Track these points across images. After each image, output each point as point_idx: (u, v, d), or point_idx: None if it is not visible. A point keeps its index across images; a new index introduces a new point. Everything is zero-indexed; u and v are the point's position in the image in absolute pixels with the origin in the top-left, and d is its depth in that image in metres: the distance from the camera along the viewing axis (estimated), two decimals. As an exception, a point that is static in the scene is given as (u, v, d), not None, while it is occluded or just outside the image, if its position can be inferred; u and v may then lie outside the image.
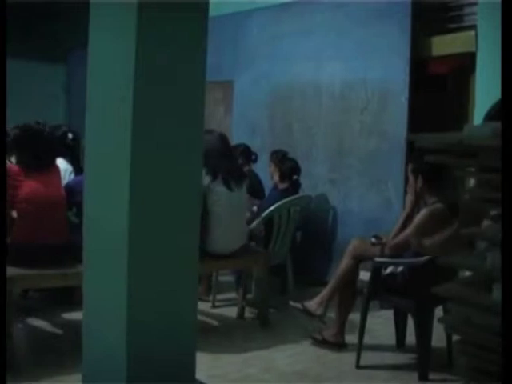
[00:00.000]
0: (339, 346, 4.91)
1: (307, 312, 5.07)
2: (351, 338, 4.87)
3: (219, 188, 5.22)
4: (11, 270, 4.39)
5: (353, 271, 4.88)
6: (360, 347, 4.59)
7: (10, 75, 9.89)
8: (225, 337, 5.23)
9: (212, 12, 2.92)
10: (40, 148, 4.79)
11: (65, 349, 4.68)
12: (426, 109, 6.40)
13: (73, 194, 4.89)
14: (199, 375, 2.97)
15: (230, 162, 5.48)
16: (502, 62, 2.69)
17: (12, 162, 5.45)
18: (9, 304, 4.24)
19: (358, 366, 4.57)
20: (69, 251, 4.58)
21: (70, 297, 5.50)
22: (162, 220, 2.79)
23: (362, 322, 4.61)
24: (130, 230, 2.67)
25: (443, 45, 6.25)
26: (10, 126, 5.49)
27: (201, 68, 2.86)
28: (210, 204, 5.20)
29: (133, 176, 2.67)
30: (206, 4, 2.86)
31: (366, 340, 4.67)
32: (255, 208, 6.32)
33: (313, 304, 5.03)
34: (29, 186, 4.64)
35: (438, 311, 4.43)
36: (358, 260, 4.87)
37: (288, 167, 6.45)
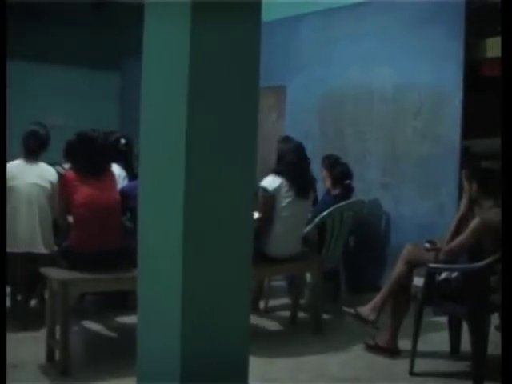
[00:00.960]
0: (392, 352, 4.87)
1: (360, 318, 5.04)
2: (405, 345, 4.82)
3: (290, 194, 5.27)
4: (68, 274, 4.49)
5: (406, 277, 4.84)
6: (414, 354, 4.54)
7: (66, 83, 10.13)
8: (277, 342, 5.23)
9: (263, 17, 2.92)
10: (94, 154, 4.87)
11: (119, 352, 4.74)
12: (481, 112, 6.31)
13: (127, 198, 4.96)
14: (251, 379, 2.97)
15: (304, 170, 5.53)
16: (502, 61, 2.66)
17: (65, 169, 5.58)
18: (66, 307, 4.33)
19: (411, 373, 4.52)
20: (123, 255, 4.64)
21: (125, 300, 5.58)
22: (216, 225, 2.80)
23: (415, 328, 4.56)
24: (184, 234, 2.69)
25: (498, 46, 6.16)
26: (67, 132, 5.60)
27: (254, 73, 2.87)
28: (279, 209, 5.25)
29: (187, 181, 2.69)
30: (259, 8, 2.87)
31: (420, 346, 4.62)
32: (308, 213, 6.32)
33: (366, 310, 5.00)
34: (84, 192, 4.72)
35: (496, 318, 4.37)
36: (412, 265, 4.83)
37: (340, 172, 6.42)
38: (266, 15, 2.96)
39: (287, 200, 5.28)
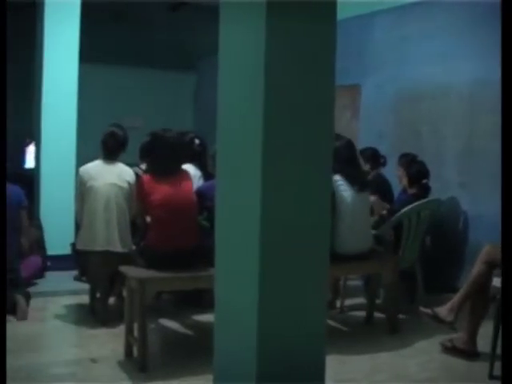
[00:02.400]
0: (470, 354, 4.78)
1: (437, 318, 4.97)
2: (483, 347, 4.72)
3: (347, 188, 5.24)
4: (145, 273, 4.57)
5: (485, 277, 4.74)
6: (493, 356, 4.43)
7: (144, 84, 10.30)
8: (353, 341, 5.20)
9: (337, 15, 2.92)
10: (167, 154, 4.93)
11: (195, 350, 4.80)
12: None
13: (204, 198, 5.02)
14: (327, 379, 2.96)
15: (358, 165, 5.52)
16: (502, 61, 2.60)
17: (142, 169, 5.68)
18: (143, 305, 4.41)
19: (491, 376, 4.40)
20: (200, 254, 4.69)
21: (201, 299, 5.64)
22: (294, 224, 2.80)
23: (495, 330, 4.46)
24: (261, 234, 2.70)
25: None
26: (145, 133, 5.71)
27: (330, 72, 2.86)
28: (340, 205, 5.22)
29: (264, 181, 2.70)
30: (335, 7, 2.86)
31: (500, 349, 4.52)
32: (385, 212, 6.25)
33: (443, 310, 4.92)
34: (160, 193, 4.79)
35: None
36: (492, 266, 4.72)
37: (416, 171, 6.34)
38: (340, 13, 2.94)
39: (346, 195, 5.24)
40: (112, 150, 5.52)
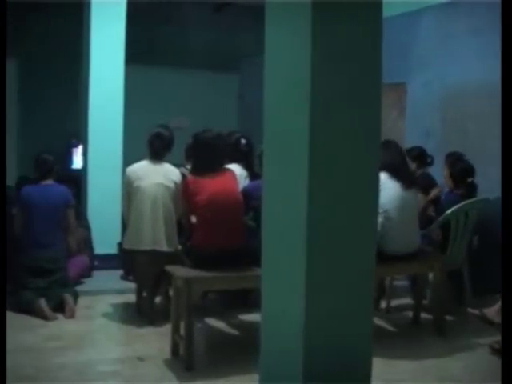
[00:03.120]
0: (520, 355, 4.69)
1: (486, 319, 4.90)
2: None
3: (394, 186, 5.19)
4: (192, 272, 4.59)
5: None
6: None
7: (189, 85, 10.34)
8: (399, 342, 5.16)
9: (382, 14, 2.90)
10: (210, 154, 4.95)
11: (241, 349, 4.80)
12: None
13: (250, 198, 5.03)
14: (373, 380, 2.94)
15: (404, 163, 5.49)
16: (502, 61, 2.56)
17: (188, 169, 5.71)
18: (190, 304, 4.43)
19: (541, 378, 4.34)
20: (245, 254, 4.70)
21: (247, 299, 5.65)
22: (340, 224, 2.79)
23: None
24: (308, 234, 2.70)
25: None
26: (191, 134, 5.74)
27: (377, 71, 2.84)
28: (387, 203, 5.18)
29: (310, 180, 2.70)
30: (380, 5, 2.84)
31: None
32: (432, 211, 6.19)
33: (492, 311, 4.86)
34: (206, 192, 4.81)
35: None
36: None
37: (461, 169, 6.25)
38: (385, 11, 2.92)
39: (393, 193, 5.18)
40: (158, 150, 5.56)
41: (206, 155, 4.95)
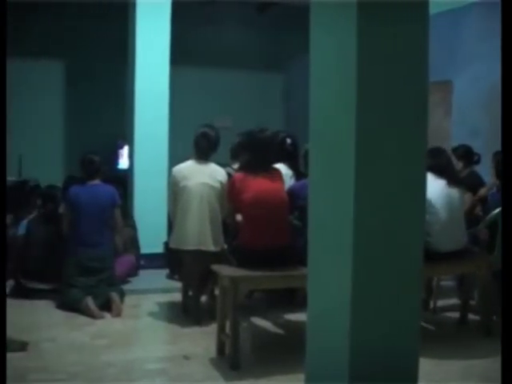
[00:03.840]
0: None
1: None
2: None
3: (437, 184, 5.13)
4: (238, 271, 4.60)
5: None
6: None
7: (234, 85, 10.36)
8: (446, 343, 5.10)
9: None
10: (258, 153, 4.95)
11: (287, 349, 4.80)
12: None
13: (296, 197, 5.02)
14: (420, 380, 2.92)
15: (446, 164, 5.43)
16: (502, 61, 2.52)
17: (234, 169, 5.72)
18: (236, 303, 4.44)
19: None
20: (291, 253, 4.69)
21: (293, 298, 5.64)
22: (387, 224, 2.78)
23: None
24: (354, 234, 2.69)
25: None
26: (235, 133, 5.76)
27: (423, 71, 2.82)
28: (429, 201, 5.12)
29: (357, 180, 2.69)
30: (426, 5, 2.82)
31: None
32: (479, 211, 6.11)
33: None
34: (252, 191, 4.81)
35: None
36: None
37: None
38: (431, 8, 2.90)
39: (439, 192, 5.13)
40: (204, 150, 5.58)
41: (255, 154, 4.95)
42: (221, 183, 5.46)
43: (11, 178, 9.12)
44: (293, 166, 5.87)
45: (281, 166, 5.56)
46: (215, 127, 5.79)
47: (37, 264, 6.22)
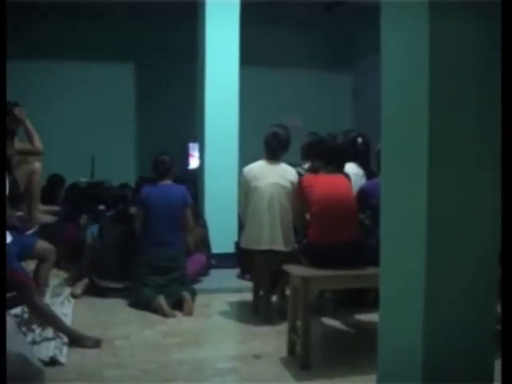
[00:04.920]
0: None
1: None
2: None
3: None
4: (309, 271, 4.58)
5: None
6: None
7: (303, 85, 10.34)
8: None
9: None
10: (326, 153, 4.93)
11: (358, 349, 4.75)
12: None
13: (367, 197, 4.97)
14: (495, 381, 2.86)
15: None
16: (503, 62, 2.43)
17: (305, 169, 5.70)
18: (307, 303, 4.43)
19: None
20: (362, 253, 4.65)
21: (364, 298, 5.59)
22: (461, 224, 2.73)
23: None
24: (427, 233, 2.66)
25: None
26: (305, 132, 5.74)
27: (496, 70, 2.75)
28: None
29: (430, 179, 2.66)
30: (498, 3, 2.76)
31: None
32: None
33: None
34: (320, 191, 4.81)
35: None
36: None
37: None
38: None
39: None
40: (275, 149, 5.57)
41: (324, 154, 4.94)
42: (291, 183, 5.44)
43: (84, 178, 9.34)
44: (364, 165, 5.82)
45: (352, 165, 5.54)
46: (286, 127, 5.78)
47: (110, 263, 6.33)
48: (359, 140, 5.92)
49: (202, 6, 7.73)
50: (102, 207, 7.58)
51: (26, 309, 4.88)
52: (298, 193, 5.17)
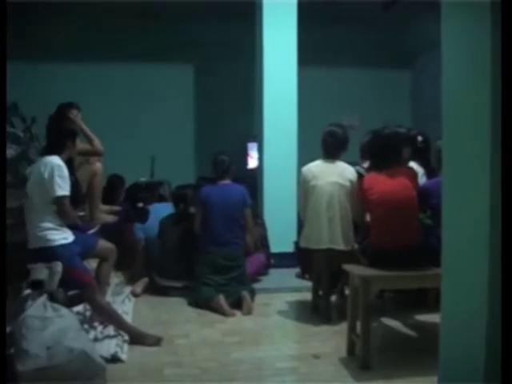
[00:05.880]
0: None
1: None
2: None
3: None
4: (369, 271, 4.55)
5: None
6: None
7: (359, 83, 10.27)
8: None
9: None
10: (387, 152, 4.88)
11: (418, 350, 4.69)
12: None
13: (428, 196, 4.90)
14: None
15: None
16: (503, 62, 2.34)
17: (364, 168, 5.66)
18: (367, 303, 4.39)
19: None
20: (423, 253, 4.59)
21: (425, 299, 5.52)
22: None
23: None
24: (491, 233, 2.62)
25: None
26: (364, 132, 5.69)
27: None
28: None
29: (493, 178, 2.61)
30: None
31: None
32: None
33: None
34: (380, 190, 4.77)
35: None
36: None
37: None
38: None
39: None
40: (332, 148, 5.55)
41: (384, 153, 4.89)
42: (350, 182, 5.41)
43: (144, 178, 9.45)
44: (424, 163, 5.75)
45: (412, 164, 5.47)
46: (343, 125, 5.75)
47: (170, 262, 6.39)
48: (419, 138, 5.85)
49: (260, 6, 7.75)
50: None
51: (88, 307, 4.97)
52: (358, 194, 5.14)
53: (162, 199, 8.63)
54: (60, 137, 4.82)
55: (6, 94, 4.19)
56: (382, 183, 4.79)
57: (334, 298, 5.76)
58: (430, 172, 5.59)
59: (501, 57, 2.61)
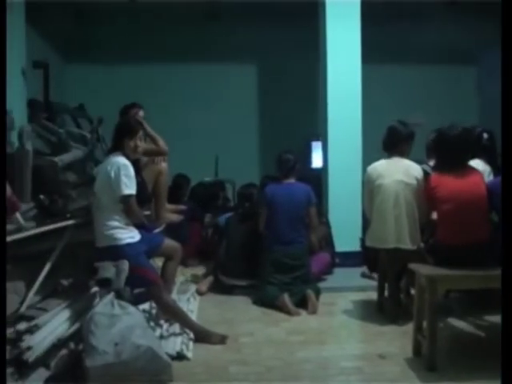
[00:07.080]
0: None
1: None
2: None
3: None
4: (435, 270, 4.48)
5: None
6: None
7: (424, 80, 10.14)
8: None
9: None
10: (453, 150, 4.81)
11: (486, 352, 4.60)
12: None
13: (493, 195, 4.81)
14: None
15: None
16: (502, 62, 2.24)
17: (431, 166, 5.58)
18: (433, 303, 4.33)
19: None
20: (491, 252, 4.50)
21: (493, 299, 5.41)
22: None
23: None
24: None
25: None
26: (430, 130, 5.62)
27: None
28: None
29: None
30: None
31: None
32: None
33: None
34: (447, 188, 4.70)
35: None
36: None
37: None
38: None
39: None
40: (393, 145, 5.49)
41: (451, 151, 4.82)
42: (416, 180, 5.34)
43: (208, 178, 9.54)
44: (490, 161, 5.64)
45: (478, 162, 5.37)
46: (406, 123, 5.68)
47: (235, 261, 6.43)
48: (485, 136, 5.74)
49: (323, 5, 7.72)
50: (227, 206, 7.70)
51: (153, 305, 5.03)
52: (425, 192, 5.07)
53: (226, 201, 8.69)
54: (122, 136, 4.87)
55: (6, 94, 4.29)
56: (449, 181, 4.73)
57: (400, 297, 5.70)
58: (497, 170, 5.48)
59: None
